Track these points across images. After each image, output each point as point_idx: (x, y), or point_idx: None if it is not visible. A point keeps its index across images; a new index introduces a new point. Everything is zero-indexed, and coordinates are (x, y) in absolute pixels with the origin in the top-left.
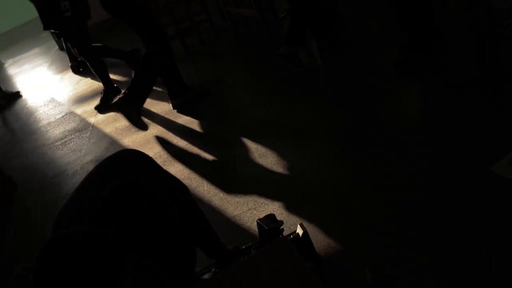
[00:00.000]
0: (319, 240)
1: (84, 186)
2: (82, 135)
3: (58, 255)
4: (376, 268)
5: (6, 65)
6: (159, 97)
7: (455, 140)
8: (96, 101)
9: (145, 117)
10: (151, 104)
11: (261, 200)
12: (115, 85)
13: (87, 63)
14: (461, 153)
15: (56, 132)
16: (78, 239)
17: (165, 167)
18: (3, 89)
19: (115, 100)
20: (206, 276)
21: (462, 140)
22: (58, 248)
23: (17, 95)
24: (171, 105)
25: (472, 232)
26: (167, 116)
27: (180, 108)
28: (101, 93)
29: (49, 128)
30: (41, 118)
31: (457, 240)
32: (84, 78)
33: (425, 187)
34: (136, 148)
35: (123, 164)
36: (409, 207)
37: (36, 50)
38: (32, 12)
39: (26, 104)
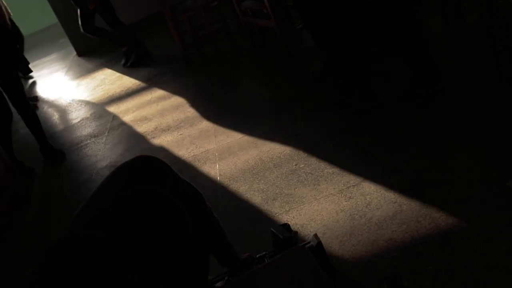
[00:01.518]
0: (333, 251)
1: (100, 192)
2: (98, 140)
3: (61, 259)
4: (392, 278)
5: None
6: (177, 104)
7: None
8: (113, 107)
9: (162, 124)
10: (167, 111)
11: (275, 210)
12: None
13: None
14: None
15: (72, 137)
16: (79, 242)
17: (180, 174)
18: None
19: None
20: (218, 285)
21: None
22: (60, 252)
23: (34, 100)
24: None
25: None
26: (181, 125)
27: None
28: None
29: (65, 133)
30: (57, 123)
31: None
32: (101, 84)
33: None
34: (152, 155)
35: (139, 170)
36: (424, 220)
37: (54, 56)
38: (50, 18)
39: (43, 109)
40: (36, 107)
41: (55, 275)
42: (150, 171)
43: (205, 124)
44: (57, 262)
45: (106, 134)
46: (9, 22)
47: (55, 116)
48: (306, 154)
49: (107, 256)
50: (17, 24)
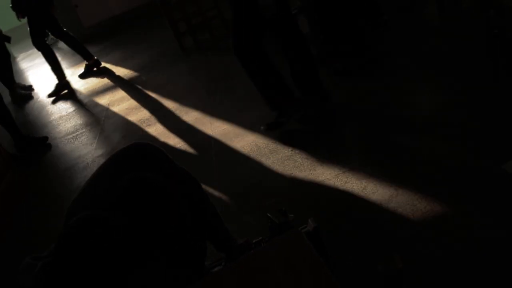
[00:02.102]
0: (330, 235)
1: (97, 179)
2: (93, 129)
3: (83, 236)
4: (387, 260)
5: (18, 58)
6: (172, 92)
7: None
8: (108, 96)
9: (157, 112)
10: (162, 99)
11: (272, 195)
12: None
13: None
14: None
15: (67, 125)
16: (99, 220)
17: (176, 161)
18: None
19: None
20: (216, 270)
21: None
22: (83, 230)
23: (29, 89)
24: None
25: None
26: (177, 112)
27: None
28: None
29: (60, 121)
30: (52, 112)
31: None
32: (95, 73)
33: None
34: (148, 142)
35: (135, 157)
36: (419, 204)
37: None
38: None
39: (38, 98)
40: (31, 97)
41: (76, 252)
42: (146, 158)
43: (201, 111)
44: (79, 240)
45: (102, 122)
46: None
47: (50, 105)
48: (301, 140)
49: (127, 233)
50: (11, 13)
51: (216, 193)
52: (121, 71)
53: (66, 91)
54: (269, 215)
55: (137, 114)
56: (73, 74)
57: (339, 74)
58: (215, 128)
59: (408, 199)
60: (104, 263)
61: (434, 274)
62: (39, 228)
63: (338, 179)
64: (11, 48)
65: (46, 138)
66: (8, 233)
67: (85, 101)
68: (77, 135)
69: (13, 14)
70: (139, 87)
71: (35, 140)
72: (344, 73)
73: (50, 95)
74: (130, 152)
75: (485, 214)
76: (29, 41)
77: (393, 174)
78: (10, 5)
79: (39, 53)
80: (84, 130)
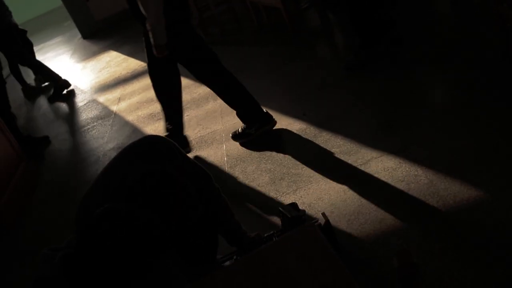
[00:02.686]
0: (341, 229)
1: (109, 172)
2: (105, 122)
3: (107, 228)
4: (402, 254)
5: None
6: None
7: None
8: (119, 89)
9: None
10: None
11: (283, 190)
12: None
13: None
14: None
15: (79, 119)
16: (122, 212)
17: (187, 154)
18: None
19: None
20: (227, 263)
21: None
22: (106, 222)
23: (42, 84)
24: None
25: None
26: (187, 106)
27: None
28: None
29: (72, 116)
30: (63, 106)
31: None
32: (107, 66)
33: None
34: (160, 135)
35: (147, 150)
36: (431, 198)
37: (59, 39)
38: (55, 2)
39: (50, 92)
40: (44, 89)
41: (99, 244)
42: (158, 151)
43: (212, 105)
44: (102, 232)
45: (113, 116)
46: None
47: (61, 100)
48: (313, 134)
49: (147, 225)
50: (22, 8)
51: (226, 187)
52: (132, 64)
53: (65, 91)
54: (281, 209)
55: (148, 108)
56: (84, 68)
57: (352, 67)
58: (226, 122)
59: (420, 193)
60: (126, 255)
61: (447, 269)
62: (47, 221)
63: (356, 174)
64: None
65: (47, 137)
66: (18, 220)
67: (96, 95)
68: (88, 128)
69: (24, 8)
70: (150, 80)
71: (34, 140)
72: (357, 65)
73: (51, 100)
74: (142, 146)
75: (500, 210)
76: (39, 35)
77: (406, 169)
78: None
79: (50, 47)
80: (95, 123)
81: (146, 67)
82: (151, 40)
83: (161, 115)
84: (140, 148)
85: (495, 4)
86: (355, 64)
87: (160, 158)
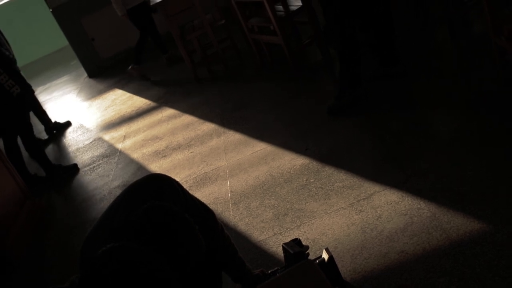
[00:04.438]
0: (345, 265)
1: (113, 211)
2: (110, 160)
3: (112, 267)
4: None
5: (36, 92)
6: (187, 122)
7: None
8: (125, 127)
9: (172, 143)
10: (177, 129)
11: (287, 225)
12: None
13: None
14: None
15: (84, 157)
16: (130, 254)
17: (191, 191)
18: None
19: None
20: None
21: None
22: (112, 260)
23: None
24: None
25: None
26: (192, 143)
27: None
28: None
29: (77, 153)
30: (69, 144)
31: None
32: (112, 105)
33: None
34: (163, 173)
35: (151, 188)
36: (435, 232)
37: (65, 78)
38: (61, 41)
39: (55, 130)
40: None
41: (104, 284)
42: (161, 189)
43: (216, 142)
44: (107, 272)
45: (118, 154)
46: None
47: (67, 137)
48: (316, 169)
49: (153, 264)
50: (29, 47)
51: (230, 223)
52: (137, 102)
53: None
54: (284, 245)
55: (152, 145)
56: (89, 106)
57: (334, 111)
58: (230, 158)
59: (424, 227)
60: None
61: None
62: (54, 258)
63: (353, 208)
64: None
65: (75, 165)
66: (21, 263)
67: (101, 133)
68: (94, 166)
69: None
70: (155, 118)
71: (63, 169)
72: (340, 109)
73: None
74: (146, 184)
75: (504, 243)
76: (46, 75)
77: (408, 202)
78: None
79: (56, 86)
80: (100, 162)
81: (151, 105)
82: None
83: (166, 152)
84: (144, 187)
85: (493, 36)
86: (337, 108)
87: (163, 196)
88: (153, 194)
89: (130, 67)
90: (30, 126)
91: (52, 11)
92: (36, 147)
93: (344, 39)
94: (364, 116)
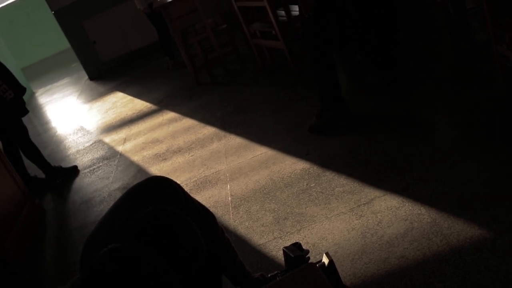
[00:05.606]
0: (345, 269)
1: (114, 213)
2: (110, 163)
3: (113, 268)
4: None
5: (37, 94)
6: (188, 126)
7: None
8: (125, 130)
9: (173, 146)
10: (178, 133)
11: (287, 229)
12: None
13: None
14: None
15: (84, 159)
16: (131, 254)
17: (192, 195)
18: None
19: None
20: None
21: None
22: (112, 261)
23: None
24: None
25: None
26: (192, 146)
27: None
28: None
29: (77, 156)
30: (70, 146)
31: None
32: (113, 107)
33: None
34: (164, 176)
35: (152, 191)
36: (435, 237)
37: (66, 80)
38: (63, 43)
39: (56, 132)
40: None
41: (105, 284)
42: (162, 192)
43: (216, 145)
44: (108, 272)
45: (118, 156)
46: None
47: (68, 139)
48: (316, 173)
49: (153, 265)
50: (31, 49)
51: (231, 227)
52: (138, 105)
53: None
54: (284, 249)
55: (153, 148)
56: (90, 108)
57: (315, 130)
58: (230, 161)
59: (424, 233)
60: None
61: None
62: (52, 261)
63: (353, 213)
64: (30, 84)
65: (75, 167)
66: (21, 264)
67: (102, 135)
68: (94, 169)
69: (33, 50)
70: (156, 121)
71: (63, 170)
72: (320, 128)
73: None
74: (147, 187)
75: (505, 249)
76: (47, 77)
77: (409, 208)
78: None
79: (57, 88)
80: (101, 164)
81: (152, 108)
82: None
83: (166, 155)
84: (145, 189)
85: (495, 44)
86: (318, 127)
87: (164, 199)
88: (154, 197)
89: (165, 60)
90: (25, 130)
91: (54, 13)
92: (33, 149)
93: (318, 67)
94: (365, 122)
